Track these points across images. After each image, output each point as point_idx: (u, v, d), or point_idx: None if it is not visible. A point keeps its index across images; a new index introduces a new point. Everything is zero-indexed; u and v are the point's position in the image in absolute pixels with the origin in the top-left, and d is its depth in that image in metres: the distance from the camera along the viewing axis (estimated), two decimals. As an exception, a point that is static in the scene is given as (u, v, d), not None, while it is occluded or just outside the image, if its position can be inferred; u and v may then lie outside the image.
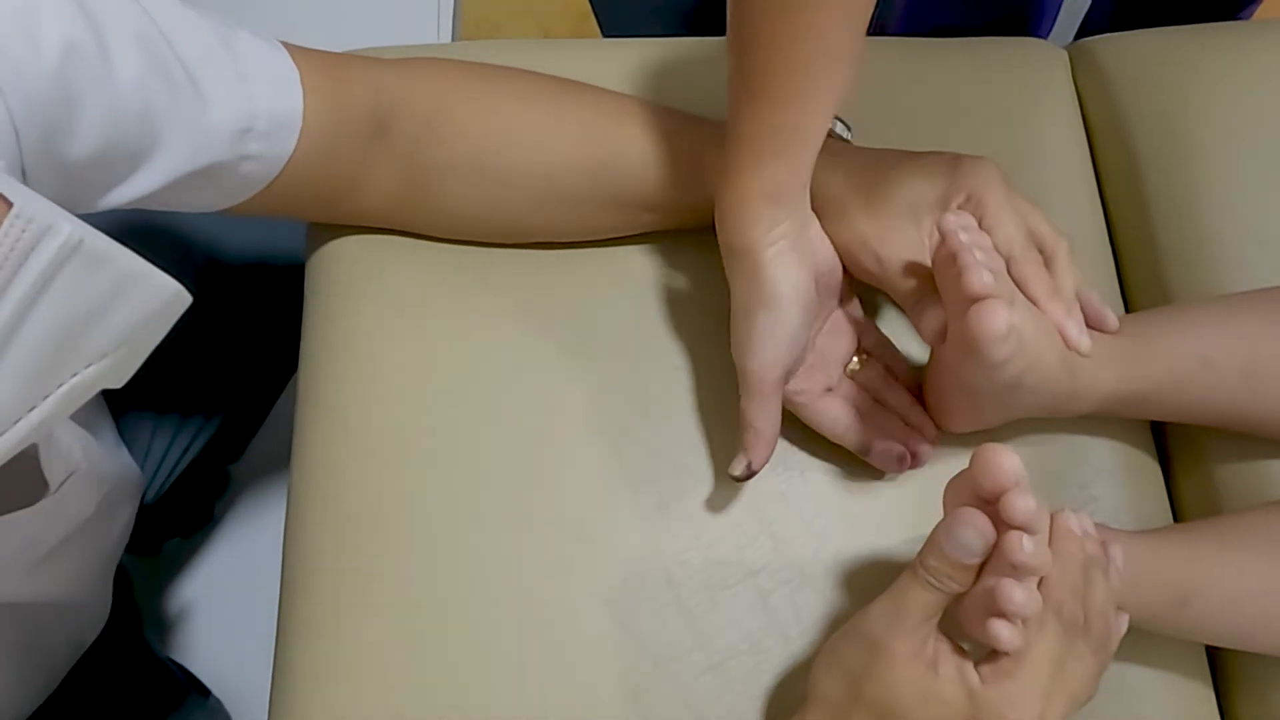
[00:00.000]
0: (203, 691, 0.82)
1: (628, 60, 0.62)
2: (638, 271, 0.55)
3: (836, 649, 0.41)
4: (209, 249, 0.68)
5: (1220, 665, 0.53)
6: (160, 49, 0.40)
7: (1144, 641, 0.48)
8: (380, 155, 0.50)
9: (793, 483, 0.52)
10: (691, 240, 0.55)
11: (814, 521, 0.51)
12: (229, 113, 0.43)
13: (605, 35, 1.21)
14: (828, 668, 0.41)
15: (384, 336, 0.55)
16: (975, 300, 0.40)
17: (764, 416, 0.46)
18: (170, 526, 0.95)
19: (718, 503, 0.52)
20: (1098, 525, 0.43)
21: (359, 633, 0.50)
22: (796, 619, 0.50)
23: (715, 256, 0.55)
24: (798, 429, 0.53)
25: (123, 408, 0.66)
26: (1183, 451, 0.57)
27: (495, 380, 0.54)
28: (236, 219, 0.68)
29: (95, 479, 0.52)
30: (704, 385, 0.54)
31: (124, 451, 0.65)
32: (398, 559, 0.51)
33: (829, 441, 0.51)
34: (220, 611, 0.96)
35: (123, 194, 0.42)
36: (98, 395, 0.62)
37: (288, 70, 0.46)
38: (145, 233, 0.65)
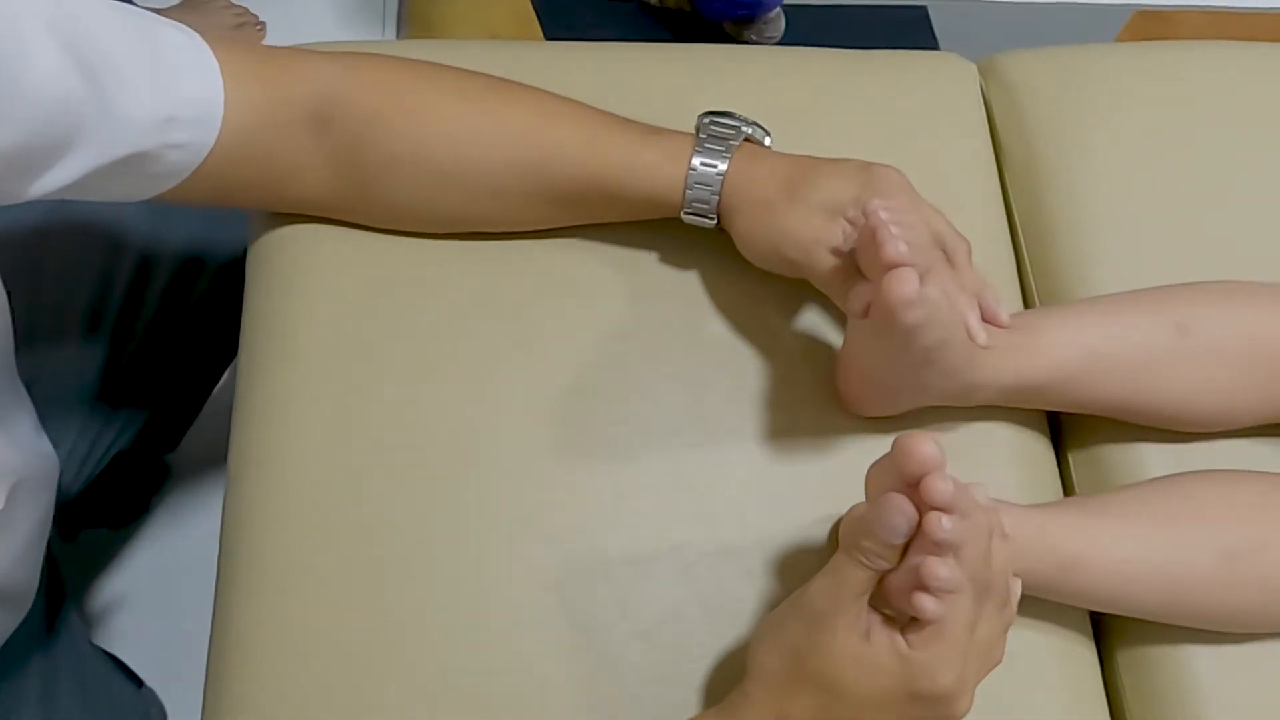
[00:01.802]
0: (136, 681, 0.82)
1: (569, 63, 0.65)
2: (574, 261, 0.58)
3: (778, 626, 0.44)
4: (144, 243, 0.68)
5: (1103, 630, 0.57)
6: (78, 40, 0.41)
7: (1033, 608, 0.53)
8: (319, 146, 0.51)
9: (714, 460, 0.55)
10: (626, 231, 0.58)
11: (734, 497, 0.55)
12: (151, 102, 0.44)
13: (548, 38, 1.24)
14: (769, 644, 0.44)
15: (324, 325, 0.57)
16: (890, 267, 0.43)
17: None
18: (98, 516, 0.95)
19: (645, 479, 0.55)
20: (992, 499, 0.47)
21: (295, 623, 0.51)
22: (717, 590, 0.53)
23: (646, 248, 0.58)
24: (720, 410, 0.56)
25: (50, 397, 0.66)
26: (1074, 436, 0.61)
27: (433, 367, 0.56)
28: (171, 212, 0.68)
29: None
30: (636, 367, 0.56)
31: (44, 440, 0.65)
32: (334, 547, 0.52)
33: (749, 422, 0.55)
34: (156, 602, 0.96)
35: (47, 183, 0.43)
36: (15, 382, 0.62)
37: (207, 60, 0.47)
38: (78, 226, 0.66)
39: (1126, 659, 0.56)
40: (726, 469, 0.55)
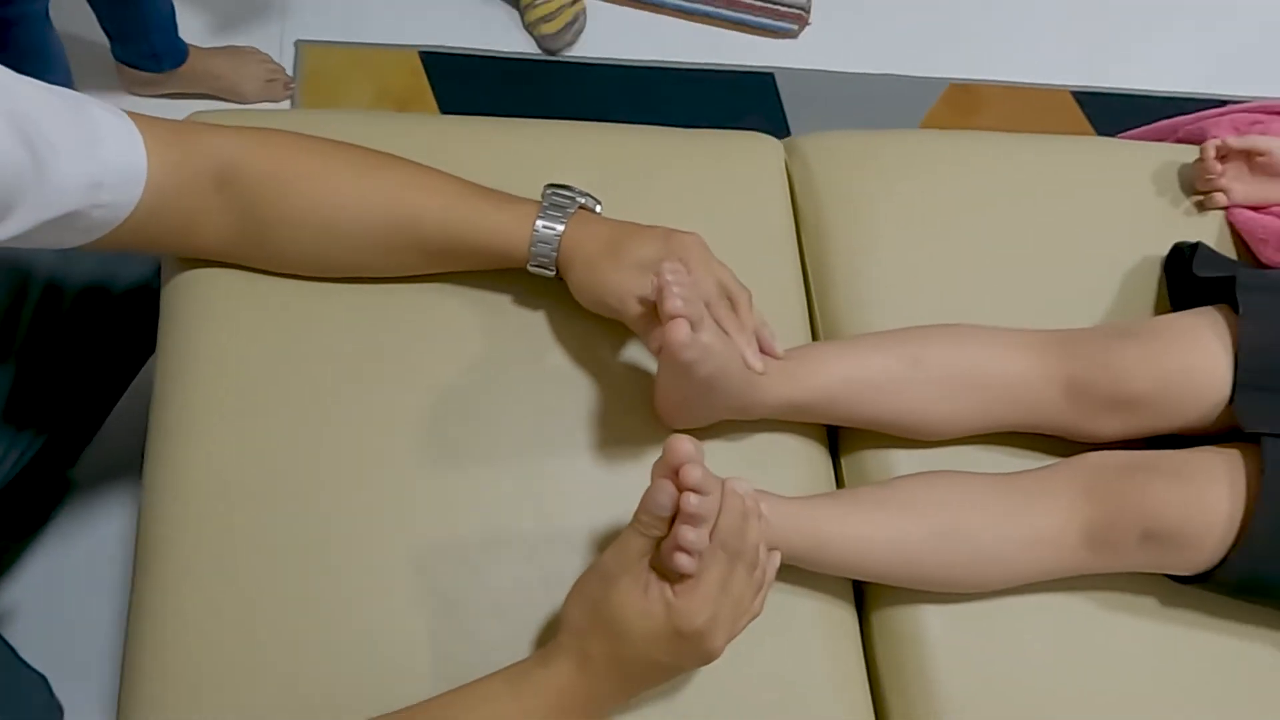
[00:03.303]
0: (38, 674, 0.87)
1: (459, 134, 0.77)
2: (441, 303, 0.70)
3: (583, 586, 0.57)
4: (49, 275, 0.76)
5: (863, 595, 0.72)
6: (21, 120, 0.49)
7: (802, 577, 0.67)
8: (220, 205, 0.61)
9: (555, 464, 0.68)
10: (483, 279, 0.70)
11: (570, 493, 0.67)
12: (82, 170, 0.53)
13: (439, 100, 1.36)
14: (575, 600, 0.56)
15: (228, 355, 0.66)
16: (669, 318, 0.57)
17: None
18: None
19: (497, 481, 0.67)
20: (757, 490, 0.61)
21: (201, 611, 0.60)
22: (555, 568, 0.65)
23: (500, 292, 0.71)
24: (559, 425, 0.69)
25: None
26: (845, 444, 0.76)
27: (322, 391, 0.66)
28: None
29: None
30: (491, 390, 0.68)
31: None
32: (237, 546, 0.62)
33: (582, 433, 0.68)
34: (51, 611, 1.00)
35: None
36: None
37: (131, 132, 0.56)
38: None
39: (879, 617, 0.71)
40: (564, 471, 0.68)
